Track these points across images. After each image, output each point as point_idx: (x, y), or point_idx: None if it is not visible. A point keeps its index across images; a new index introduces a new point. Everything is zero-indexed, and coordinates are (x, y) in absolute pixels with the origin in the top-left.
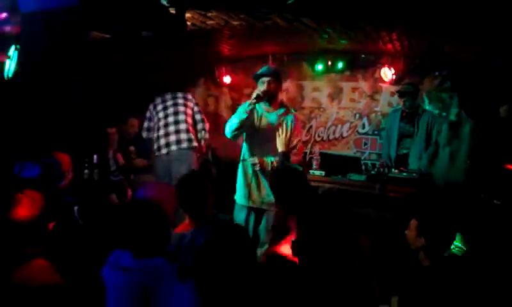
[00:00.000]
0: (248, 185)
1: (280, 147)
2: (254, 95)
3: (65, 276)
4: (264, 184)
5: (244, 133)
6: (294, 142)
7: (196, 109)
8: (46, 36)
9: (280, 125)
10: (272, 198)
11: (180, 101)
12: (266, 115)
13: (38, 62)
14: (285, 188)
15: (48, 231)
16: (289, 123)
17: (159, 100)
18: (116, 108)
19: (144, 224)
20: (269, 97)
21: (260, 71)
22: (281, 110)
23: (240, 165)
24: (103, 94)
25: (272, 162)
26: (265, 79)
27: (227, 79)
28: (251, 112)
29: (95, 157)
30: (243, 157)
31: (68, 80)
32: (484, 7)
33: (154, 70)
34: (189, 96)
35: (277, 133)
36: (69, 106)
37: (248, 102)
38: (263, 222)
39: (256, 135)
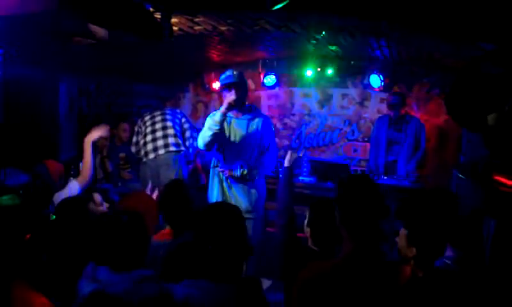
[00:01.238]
0: (223, 194)
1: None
2: (225, 104)
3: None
4: (239, 192)
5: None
6: (265, 145)
7: (184, 119)
8: (28, 40)
9: (251, 128)
10: (248, 206)
11: (168, 111)
12: (236, 121)
13: (22, 66)
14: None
15: (24, 242)
16: (260, 126)
17: (147, 114)
18: (104, 113)
19: (121, 237)
20: (239, 103)
21: (225, 79)
22: (251, 115)
23: (211, 174)
24: (90, 99)
25: (242, 168)
26: (233, 86)
27: (216, 85)
28: (224, 120)
29: (80, 164)
30: (214, 163)
31: (53, 85)
32: (474, 12)
33: (142, 76)
34: (177, 110)
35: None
36: (55, 112)
37: (218, 112)
38: None
39: (228, 142)
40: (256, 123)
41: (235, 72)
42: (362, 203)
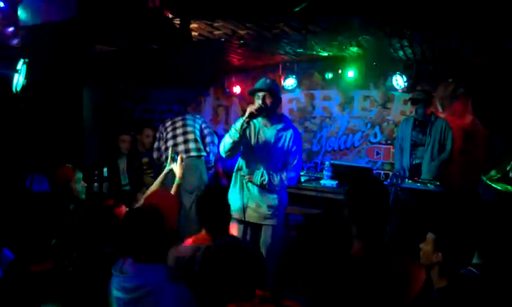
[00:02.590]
0: (243, 199)
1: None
2: (247, 113)
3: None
4: (259, 197)
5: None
6: (291, 159)
7: (204, 125)
8: (50, 49)
9: (279, 139)
10: (267, 212)
11: (189, 116)
12: (264, 130)
13: (46, 75)
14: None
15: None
16: (288, 138)
17: (168, 120)
18: (127, 119)
19: (140, 230)
20: (266, 111)
21: (256, 85)
22: (280, 125)
23: (234, 176)
24: (113, 106)
25: (262, 177)
26: (261, 94)
27: (237, 89)
28: (246, 129)
29: (104, 169)
30: (238, 167)
31: (77, 92)
32: (496, 9)
33: (164, 81)
34: (198, 115)
35: None
36: (79, 119)
37: (242, 119)
38: (262, 237)
39: (253, 149)
40: (285, 135)
41: (268, 80)
42: (368, 203)
